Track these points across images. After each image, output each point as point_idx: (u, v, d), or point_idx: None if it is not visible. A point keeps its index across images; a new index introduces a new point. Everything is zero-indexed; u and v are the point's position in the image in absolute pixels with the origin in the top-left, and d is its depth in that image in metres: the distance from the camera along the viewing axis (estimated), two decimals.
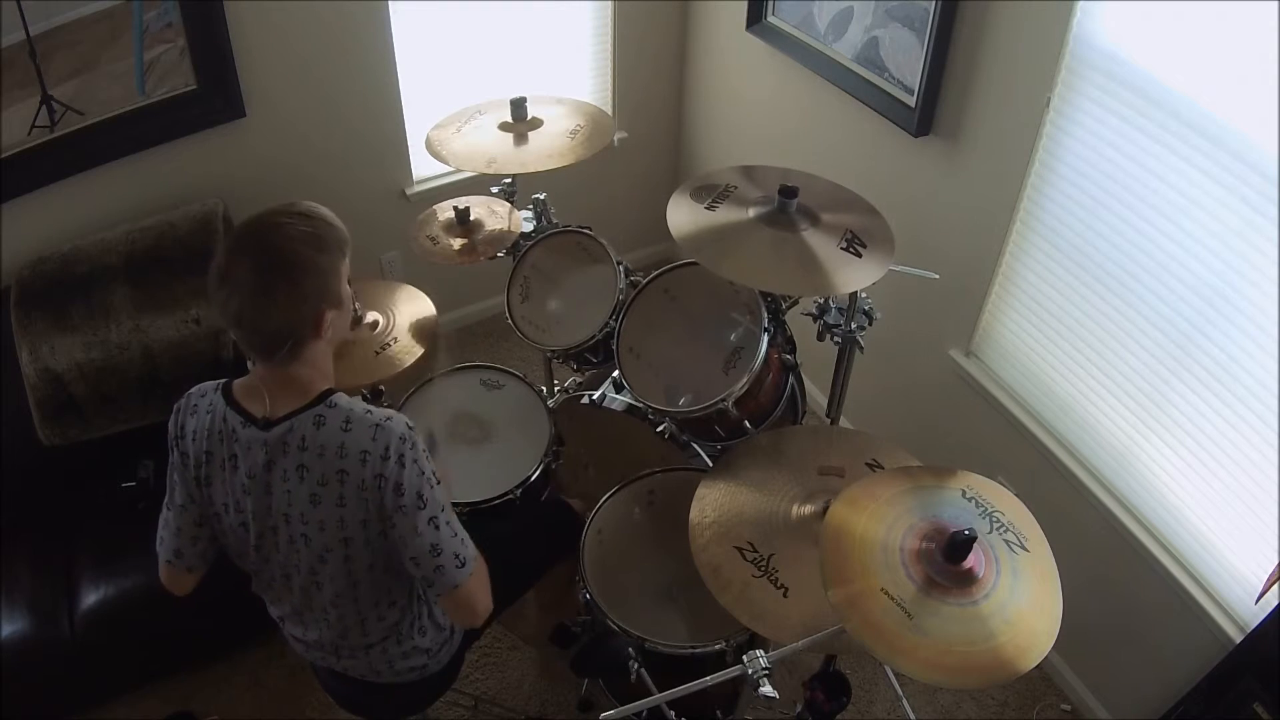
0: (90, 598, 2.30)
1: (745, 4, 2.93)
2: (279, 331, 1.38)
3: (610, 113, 3.49)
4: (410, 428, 1.44)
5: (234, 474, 1.45)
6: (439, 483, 1.47)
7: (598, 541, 2.01)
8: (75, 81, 2.43)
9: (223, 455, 1.45)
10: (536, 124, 2.38)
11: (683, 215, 1.88)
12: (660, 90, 3.58)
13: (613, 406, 2.25)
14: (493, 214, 2.40)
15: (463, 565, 1.50)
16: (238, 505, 1.48)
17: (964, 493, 1.48)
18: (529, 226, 2.43)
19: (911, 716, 2.39)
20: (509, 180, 2.44)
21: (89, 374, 2.36)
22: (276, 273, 1.35)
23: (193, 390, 1.50)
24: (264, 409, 1.42)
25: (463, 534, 1.52)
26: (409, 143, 3.13)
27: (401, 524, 1.44)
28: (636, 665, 1.75)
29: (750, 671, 1.44)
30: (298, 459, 1.41)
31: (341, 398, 1.44)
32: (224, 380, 1.49)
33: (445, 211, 2.39)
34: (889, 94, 2.48)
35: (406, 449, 1.41)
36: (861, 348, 1.97)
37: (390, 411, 1.45)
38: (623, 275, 2.21)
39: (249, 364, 1.49)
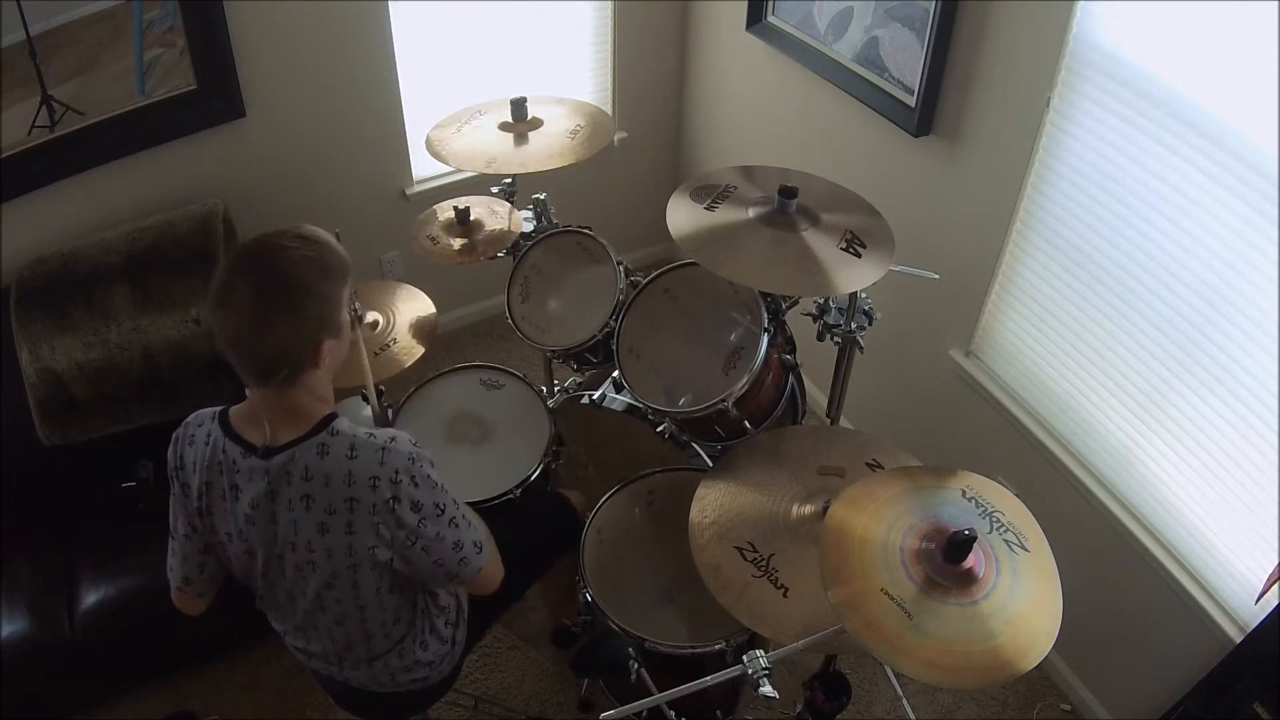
0: (90, 598, 2.30)
1: (745, 4, 2.93)
2: (276, 357, 1.35)
3: (610, 113, 3.49)
4: (415, 443, 1.43)
5: (235, 504, 1.44)
6: (445, 485, 1.48)
7: (598, 541, 2.01)
8: (75, 81, 2.43)
9: (223, 486, 1.43)
10: (536, 124, 2.38)
11: (683, 215, 1.88)
12: (660, 90, 3.58)
13: (613, 406, 2.25)
14: (493, 214, 2.40)
15: (480, 550, 1.54)
16: (241, 534, 1.46)
17: (964, 493, 1.48)
18: (529, 226, 2.43)
19: (911, 716, 2.39)
20: (509, 180, 2.44)
21: (89, 374, 2.36)
22: (277, 296, 1.33)
23: (189, 419, 1.49)
24: (263, 436, 1.40)
25: (472, 518, 1.55)
26: (409, 143, 3.13)
27: (425, 533, 1.45)
28: (636, 665, 1.75)
29: (750, 671, 1.44)
30: (302, 489, 1.39)
31: (343, 423, 1.42)
32: (221, 408, 1.46)
33: (445, 211, 2.39)
34: (889, 94, 2.48)
35: (416, 467, 1.41)
36: (861, 348, 1.97)
37: (393, 431, 1.43)
38: (623, 275, 2.21)
39: (246, 390, 1.47)
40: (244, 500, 1.42)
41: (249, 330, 1.33)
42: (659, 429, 2.14)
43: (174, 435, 1.49)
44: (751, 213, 1.87)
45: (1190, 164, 1.83)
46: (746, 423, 1.96)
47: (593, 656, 1.83)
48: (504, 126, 2.37)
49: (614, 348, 2.10)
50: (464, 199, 2.40)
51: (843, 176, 2.00)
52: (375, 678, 1.68)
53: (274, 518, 1.42)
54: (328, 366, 1.43)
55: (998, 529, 1.42)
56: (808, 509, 1.72)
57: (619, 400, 2.25)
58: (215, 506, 1.46)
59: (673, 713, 1.71)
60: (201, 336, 2.42)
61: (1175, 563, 2.11)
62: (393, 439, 1.41)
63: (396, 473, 1.39)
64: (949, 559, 1.33)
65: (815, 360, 2.25)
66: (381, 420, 2.09)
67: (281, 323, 1.33)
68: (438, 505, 1.45)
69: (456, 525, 1.49)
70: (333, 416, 1.43)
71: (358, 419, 2.70)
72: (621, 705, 1.51)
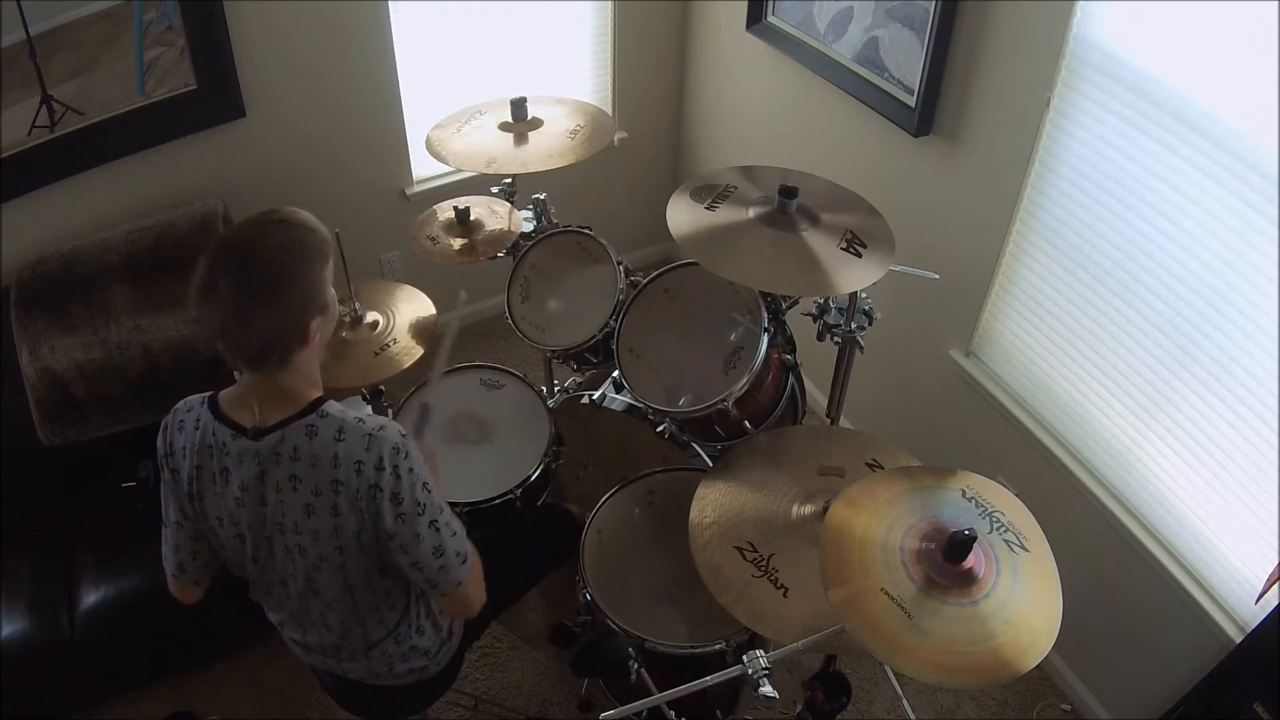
0: (90, 598, 2.30)
1: (745, 4, 2.93)
2: (265, 344, 1.35)
3: (610, 113, 3.49)
4: (404, 435, 1.43)
5: (226, 487, 1.44)
6: (433, 486, 1.47)
7: (598, 541, 2.01)
8: (75, 81, 2.43)
9: (213, 469, 1.43)
10: (536, 124, 2.38)
11: (683, 215, 1.88)
12: (660, 90, 3.58)
13: (613, 406, 2.25)
14: (493, 214, 2.40)
15: (464, 561, 1.52)
16: (232, 518, 1.46)
17: (964, 493, 1.48)
18: (529, 226, 2.43)
19: (911, 716, 2.39)
20: (509, 180, 2.44)
21: (89, 374, 2.36)
22: (259, 286, 1.32)
23: (179, 405, 1.49)
24: (253, 419, 1.40)
25: (460, 529, 1.52)
26: (409, 143, 3.13)
27: (403, 531, 1.44)
28: (636, 665, 1.75)
29: (750, 671, 1.44)
30: (290, 469, 1.40)
31: (333, 406, 1.42)
32: (210, 393, 1.47)
33: (445, 211, 2.39)
34: (889, 94, 2.48)
35: (400, 459, 1.40)
36: (861, 348, 1.97)
37: (383, 420, 1.43)
38: (623, 275, 2.21)
39: (235, 373, 1.47)
40: (234, 483, 1.43)
41: (235, 323, 1.33)
42: (659, 429, 2.14)
43: (163, 422, 1.49)
44: (751, 213, 1.87)
45: (1190, 164, 1.83)
46: (746, 423, 1.96)
47: (593, 656, 1.83)
48: (504, 126, 2.38)
49: (614, 348, 2.10)
50: (464, 199, 2.40)
51: (843, 176, 2.00)
52: (373, 669, 1.67)
53: (263, 499, 1.43)
54: (317, 344, 1.43)
55: (998, 529, 1.42)
56: (808, 509, 1.72)
57: (619, 400, 2.25)
58: (206, 491, 1.46)
59: (673, 713, 1.71)
60: (201, 337, 2.42)
61: (1175, 563, 2.11)
62: (382, 427, 1.41)
63: (381, 460, 1.38)
64: (949, 559, 1.33)
65: (815, 360, 2.25)
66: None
67: (267, 313, 1.33)
68: (418, 503, 1.43)
69: (438, 529, 1.46)
70: (322, 399, 1.43)
71: None
72: (621, 705, 1.51)
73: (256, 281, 1.33)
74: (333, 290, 1.45)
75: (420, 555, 1.46)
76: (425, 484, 1.45)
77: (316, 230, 1.41)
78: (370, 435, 1.39)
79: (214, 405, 1.44)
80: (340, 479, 1.39)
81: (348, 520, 1.42)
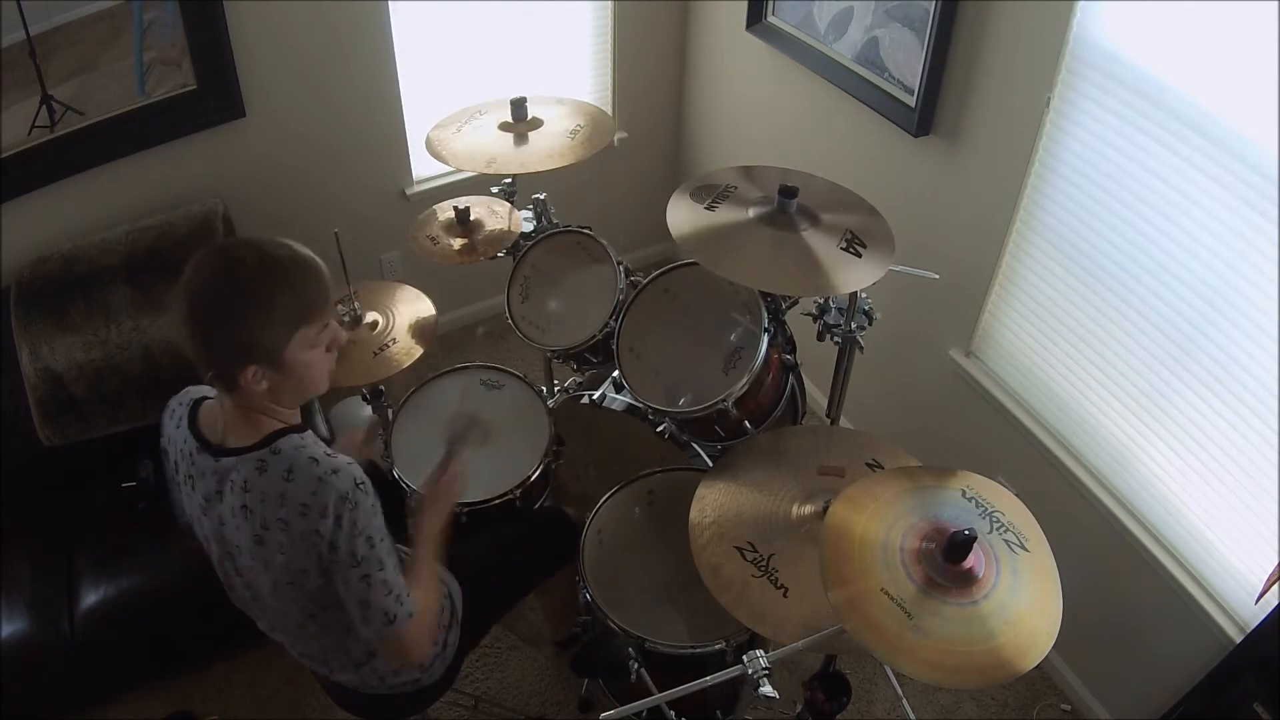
0: (90, 598, 2.29)
1: (745, 4, 2.93)
2: (204, 361, 1.32)
3: (610, 113, 3.49)
4: (359, 484, 1.36)
5: (193, 494, 1.45)
6: (382, 539, 1.40)
7: (598, 541, 2.01)
8: (75, 81, 2.43)
9: (186, 472, 1.45)
10: (536, 124, 2.38)
11: (683, 215, 1.88)
12: (660, 90, 3.58)
13: (613, 406, 2.25)
14: (493, 214, 2.40)
15: (391, 622, 1.42)
16: (199, 522, 1.48)
17: (964, 493, 1.47)
18: (529, 226, 2.43)
19: (911, 716, 2.39)
20: (509, 180, 2.44)
21: (89, 374, 2.36)
22: (210, 304, 1.29)
23: (181, 393, 1.50)
24: (217, 435, 1.40)
25: (399, 590, 1.43)
26: (409, 143, 3.13)
27: (335, 576, 1.39)
28: (636, 665, 1.75)
29: (750, 671, 1.44)
30: (241, 499, 1.37)
31: (287, 443, 1.37)
32: (199, 397, 1.47)
33: (445, 211, 2.39)
34: (889, 94, 2.48)
35: (346, 509, 1.33)
36: (861, 348, 1.97)
37: (340, 462, 1.36)
38: (623, 275, 2.21)
39: None
40: (199, 492, 1.43)
41: (184, 330, 1.30)
42: (659, 429, 2.14)
43: (168, 403, 1.51)
44: (751, 213, 1.87)
45: (1190, 164, 1.83)
46: (746, 423, 1.96)
47: (593, 656, 1.83)
48: (504, 126, 2.38)
49: (614, 348, 2.10)
50: (464, 199, 2.39)
51: (843, 176, 2.00)
52: (364, 680, 1.67)
53: (221, 519, 1.42)
54: (265, 390, 1.35)
55: (998, 529, 1.42)
56: (808, 509, 1.72)
57: (619, 400, 2.25)
58: (184, 485, 1.48)
59: (673, 713, 1.71)
60: None
61: (1175, 563, 2.11)
62: (335, 471, 1.35)
63: (326, 506, 1.33)
64: (949, 559, 1.33)
65: (815, 360, 2.25)
66: (382, 419, 2.08)
67: (208, 333, 1.30)
68: (354, 554, 1.36)
69: (369, 584, 1.38)
70: (281, 433, 1.38)
71: (357, 418, 2.71)
72: (621, 705, 1.51)
73: (211, 298, 1.29)
74: (307, 356, 1.37)
75: (350, 601, 1.41)
76: (369, 537, 1.37)
77: (301, 290, 1.32)
78: (320, 479, 1.33)
79: (194, 411, 1.45)
80: (286, 518, 1.34)
81: (295, 557, 1.38)
